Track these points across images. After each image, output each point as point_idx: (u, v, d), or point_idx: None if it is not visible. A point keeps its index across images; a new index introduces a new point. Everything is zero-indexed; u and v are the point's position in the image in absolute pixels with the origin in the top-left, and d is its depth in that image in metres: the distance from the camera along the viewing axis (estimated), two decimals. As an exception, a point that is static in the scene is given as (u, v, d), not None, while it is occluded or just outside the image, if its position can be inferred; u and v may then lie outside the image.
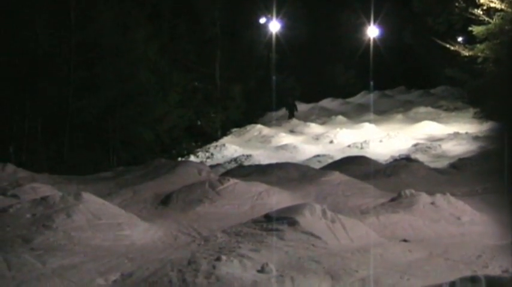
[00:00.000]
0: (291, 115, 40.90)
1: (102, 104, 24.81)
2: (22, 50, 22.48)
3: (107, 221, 8.86)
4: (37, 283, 6.43)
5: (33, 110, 22.68)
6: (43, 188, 11.99)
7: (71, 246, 7.81)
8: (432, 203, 10.78)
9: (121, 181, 14.96)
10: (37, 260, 7.07)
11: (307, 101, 49.47)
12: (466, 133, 28.59)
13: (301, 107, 48.42)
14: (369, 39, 49.76)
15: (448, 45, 24.60)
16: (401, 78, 52.80)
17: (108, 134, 25.18)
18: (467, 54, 23.52)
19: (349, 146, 29.29)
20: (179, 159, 26.70)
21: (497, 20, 21.66)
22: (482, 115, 25.02)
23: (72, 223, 8.53)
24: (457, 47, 24.35)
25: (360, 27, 52.74)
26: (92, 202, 9.42)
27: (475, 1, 21.94)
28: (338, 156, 24.10)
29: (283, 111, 45.16)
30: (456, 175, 16.83)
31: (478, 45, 23.12)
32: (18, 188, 11.70)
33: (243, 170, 17.76)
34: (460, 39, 29.64)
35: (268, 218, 8.88)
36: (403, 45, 51.18)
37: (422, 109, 39.88)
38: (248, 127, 36.58)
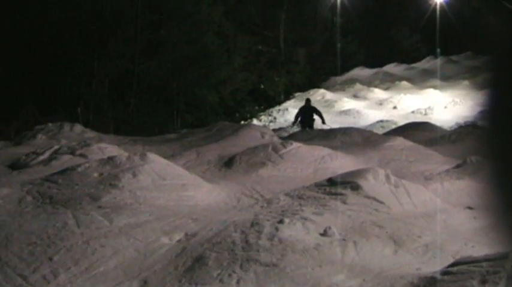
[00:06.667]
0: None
1: (167, 66, 25.03)
2: (91, 11, 22.76)
3: (172, 182, 8.95)
4: (105, 240, 6.58)
5: (101, 71, 23.03)
6: (110, 148, 12.23)
7: (137, 205, 7.92)
8: (498, 171, 10.59)
9: (185, 143, 15.13)
10: (104, 218, 7.21)
11: (371, 65, 48.98)
12: (536, 100, 27.84)
13: (365, 71, 47.97)
14: (436, 3, 48.79)
15: (518, 10, 23.95)
16: (469, 44, 51.68)
17: (173, 96, 25.43)
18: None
19: (413, 112, 28.98)
20: (242, 122, 26.82)
21: None
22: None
23: (137, 182, 8.65)
24: (528, 11, 23.68)
25: (426, -9, 51.74)
26: (157, 162, 9.54)
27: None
28: (401, 122, 23.86)
29: (346, 77, 44.76)
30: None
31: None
32: (86, 147, 11.96)
33: (305, 135, 17.74)
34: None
35: (331, 182, 8.84)
36: (470, 10, 49.93)
37: (490, 75, 38.96)
38: (311, 91, 36.51)
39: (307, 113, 23.66)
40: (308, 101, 24.53)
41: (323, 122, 22.94)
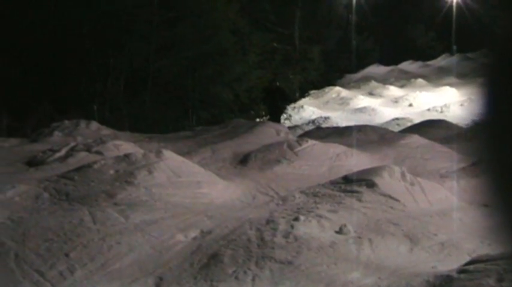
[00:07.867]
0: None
1: (182, 64, 25.07)
2: (107, 9, 22.82)
3: (187, 179, 8.98)
4: (120, 236, 6.61)
5: (116, 69, 23.10)
6: (125, 145, 12.26)
7: (152, 202, 7.95)
8: (515, 169, 10.51)
9: (200, 140, 15.14)
10: (120, 215, 7.25)
11: (386, 63, 48.87)
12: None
13: (380, 69, 47.85)
14: (451, 0, 48.57)
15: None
16: (485, 41, 51.36)
17: (188, 93, 25.46)
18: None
19: (428, 109, 28.87)
20: (257, 119, 26.80)
21: None
22: None
23: (153, 179, 8.67)
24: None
25: (442, -12, 51.50)
26: (172, 159, 9.56)
27: None
28: (417, 119, 23.78)
29: (361, 74, 44.66)
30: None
31: None
32: (101, 145, 11.99)
33: (320, 132, 17.71)
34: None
35: (346, 179, 8.84)
36: (487, 7, 49.64)
37: (506, 73, 38.71)
38: (326, 89, 36.49)
39: (274, 98, 20.71)
40: (274, 81, 23.15)
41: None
